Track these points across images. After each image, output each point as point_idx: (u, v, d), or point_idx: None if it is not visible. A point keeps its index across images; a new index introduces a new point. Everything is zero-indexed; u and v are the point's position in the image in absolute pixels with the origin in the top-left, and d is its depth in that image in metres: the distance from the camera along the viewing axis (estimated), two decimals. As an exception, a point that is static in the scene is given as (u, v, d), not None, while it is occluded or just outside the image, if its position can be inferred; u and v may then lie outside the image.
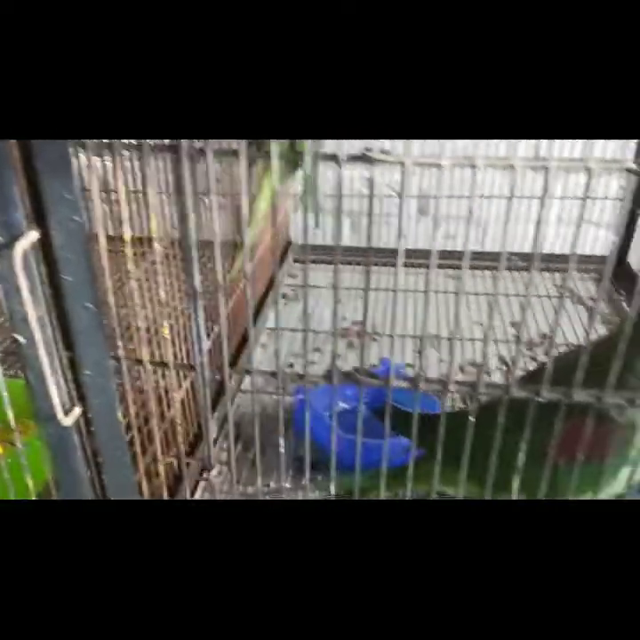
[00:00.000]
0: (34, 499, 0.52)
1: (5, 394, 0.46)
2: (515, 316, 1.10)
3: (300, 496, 0.68)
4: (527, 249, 1.16)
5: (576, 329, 1.02)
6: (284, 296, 1.24)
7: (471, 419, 0.41)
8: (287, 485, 0.70)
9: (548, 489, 0.46)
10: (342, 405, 0.85)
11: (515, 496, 0.44)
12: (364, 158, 0.31)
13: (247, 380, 0.96)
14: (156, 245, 0.40)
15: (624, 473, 0.48)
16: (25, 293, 0.38)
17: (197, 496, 0.73)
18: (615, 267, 1.21)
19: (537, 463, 0.43)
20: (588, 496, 0.47)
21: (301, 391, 0.81)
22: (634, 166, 0.31)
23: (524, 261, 1.20)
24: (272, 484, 0.70)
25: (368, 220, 0.36)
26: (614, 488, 0.55)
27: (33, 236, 0.39)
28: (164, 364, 0.42)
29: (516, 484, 0.43)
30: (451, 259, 1.23)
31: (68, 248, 0.39)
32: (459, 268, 1.25)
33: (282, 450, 0.45)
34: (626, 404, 0.39)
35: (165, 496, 0.50)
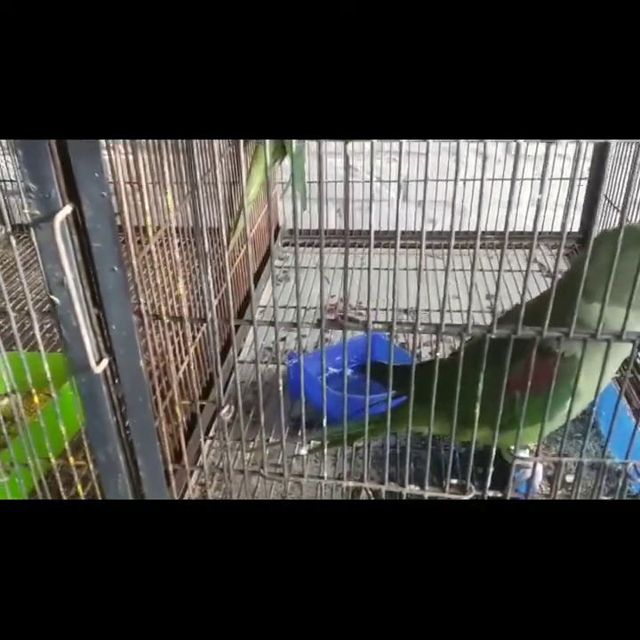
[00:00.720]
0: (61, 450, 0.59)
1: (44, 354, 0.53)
2: (489, 290, 1.19)
3: (295, 448, 0.76)
4: (500, 228, 1.24)
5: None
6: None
7: (438, 355, 0.49)
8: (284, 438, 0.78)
9: (507, 421, 0.54)
10: (332, 370, 0.93)
11: (476, 426, 0.52)
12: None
13: (245, 352, 1.04)
14: (171, 215, 0.48)
15: (567, 405, 0.55)
16: (64, 258, 0.46)
17: (207, 444, 0.81)
18: (581, 242, 1.30)
19: (497, 397, 0.51)
20: (537, 427, 0.55)
21: (294, 357, 0.89)
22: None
23: (498, 239, 1.29)
24: (271, 439, 0.79)
25: (345, 205, 0.44)
26: (560, 420, 0.63)
27: (68, 209, 0.46)
28: (180, 318, 0.50)
29: (476, 410, 0.51)
30: (430, 239, 1.31)
31: (97, 219, 0.47)
32: (439, 247, 1.34)
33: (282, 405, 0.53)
34: (562, 336, 0.47)
35: (182, 437, 0.57)
